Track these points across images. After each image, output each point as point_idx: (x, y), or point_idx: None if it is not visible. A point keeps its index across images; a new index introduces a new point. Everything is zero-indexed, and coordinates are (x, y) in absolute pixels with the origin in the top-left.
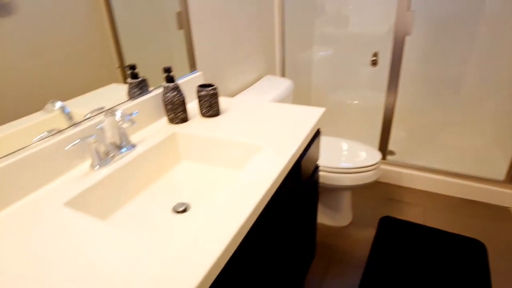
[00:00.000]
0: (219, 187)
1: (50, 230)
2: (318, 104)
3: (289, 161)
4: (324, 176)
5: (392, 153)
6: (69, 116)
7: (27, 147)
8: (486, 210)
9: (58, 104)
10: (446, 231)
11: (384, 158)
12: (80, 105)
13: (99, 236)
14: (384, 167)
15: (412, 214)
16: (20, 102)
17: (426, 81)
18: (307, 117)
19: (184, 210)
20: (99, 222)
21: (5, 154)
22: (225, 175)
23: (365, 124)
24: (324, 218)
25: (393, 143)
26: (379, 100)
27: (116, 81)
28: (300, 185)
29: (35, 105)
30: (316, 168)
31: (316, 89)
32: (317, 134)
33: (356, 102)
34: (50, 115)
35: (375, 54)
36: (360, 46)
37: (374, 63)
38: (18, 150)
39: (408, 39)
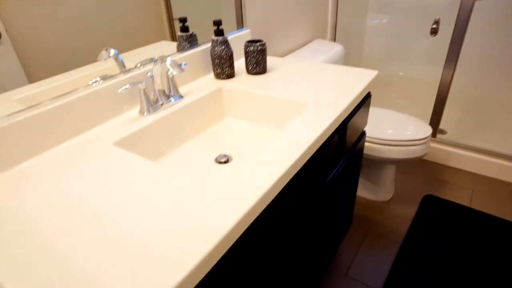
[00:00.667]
0: (260, 144)
1: (99, 164)
2: None
3: (334, 122)
4: (369, 147)
5: (443, 132)
6: (122, 64)
7: (81, 88)
8: None
9: (112, 51)
10: (495, 215)
11: (434, 136)
12: (131, 59)
13: (145, 172)
14: (433, 145)
15: (458, 196)
16: (78, 52)
17: (489, 57)
18: (357, 79)
19: (226, 161)
20: (145, 161)
21: (62, 93)
22: (267, 132)
23: (416, 99)
24: (365, 191)
25: (445, 122)
26: (435, 74)
27: (165, 39)
28: (344, 148)
29: (91, 56)
30: (362, 134)
31: (367, 59)
32: (366, 98)
33: (408, 75)
34: (104, 64)
35: (437, 22)
36: (419, 13)
37: (434, 31)
38: (74, 90)
39: (477, 5)
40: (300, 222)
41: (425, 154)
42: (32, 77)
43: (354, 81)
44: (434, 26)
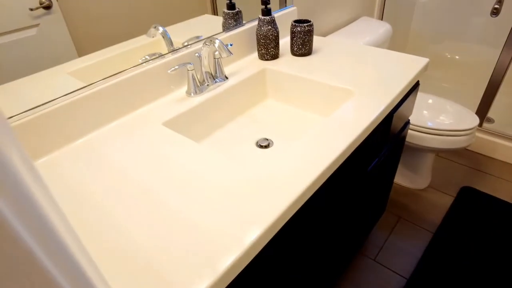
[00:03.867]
0: (303, 129)
1: (151, 143)
2: (414, 54)
3: (381, 113)
4: (409, 135)
5: (490, 120)
6: (169, 41)
7: (133, 68)
8: None
9: (161, 29)
10: None
11: (480, 125)
12: (177, 33)
13: (194, 153)
14: (478, 134)
15: (500, 190)
16: (127, 24)
17: None
18: (407, 66)
19: (267, 146)
20: (193, 142)
21: (115, 73)
22: (310, 118)
23: (466, 84)
24: (401, 178)
25: (494, 110)
26: (490, 56)
27: (207, 12)
28: (388, 138)
29: (136, 30)
30: (407, 123)
31: (414, 37)
32: (415, 87)
33: (458, 57)
34: (149, 39)
35: (500, 1)
36: None
37: (495, 11)
38: (126, 69)
39: None
40: (340, 209)
41: (469, 145)
42: (80, 50)
43: (404, 69)
44: (496, 6)
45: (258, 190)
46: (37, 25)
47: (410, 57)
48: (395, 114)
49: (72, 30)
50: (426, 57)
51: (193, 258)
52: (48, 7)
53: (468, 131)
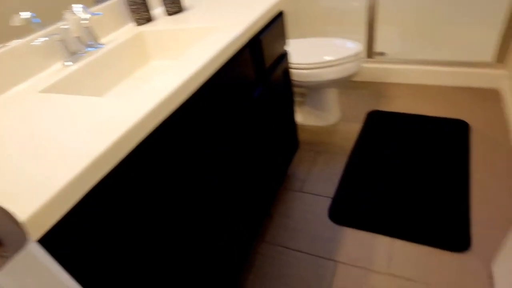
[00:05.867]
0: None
1: (21, 108)
2: (295, 10)
3: (241, 35)
4: (308, 74)
5: (383, 54)
6: (38, 25)
7: None
8: (475, 93)
9: (26, 14)
10: (432, 116)
11: (371, 56)
12: (47, 16)
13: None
14: (373, 65)
15: (401, 106)
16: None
17: None
18: (269, 2)
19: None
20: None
21: None
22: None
23: (347, 29)
24: (314, 119)
25: (382, 44)
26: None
27: None
28: (263, 65)
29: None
30: (284, 55)
31: None
32: (279, 17)
33: (334, 5)
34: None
35: None
36: None
37: None
38: None
39: None
40: (235, 132)
41: (359, 72)
42: None
43: (265, 3)
44: None
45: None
46: None
47: None
48: (263, 41)
49: None
50: (310, 12)
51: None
52: None
53: (355, 57)
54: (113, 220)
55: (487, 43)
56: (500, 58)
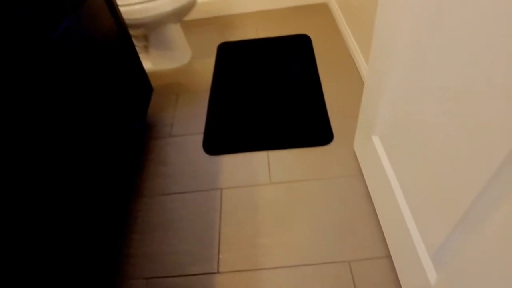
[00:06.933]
0: None
1: None
2: None
3: None
4: (141, 9)
5: None
6: None
7: None
8: (310, 10)
9: None
10: (278, 36)
11: None
12: None
13: None
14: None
15: (248, 34)
16: None
17: None
18: None
19: None
20: None
21: None
22: None
23: None
24: (163, 62)
25: None
26: None
27: None
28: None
29: None
30: None
31: None
32: None
33: None
34: None
35: None
36: None
37: None
38: None
39: None
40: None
41: (195, 0)
42: None
43: None
44: None
45: None
46: None
47: None
48: None
49: None
50: None
51: None
52: None
53: None
54: None
55: None
56: None
